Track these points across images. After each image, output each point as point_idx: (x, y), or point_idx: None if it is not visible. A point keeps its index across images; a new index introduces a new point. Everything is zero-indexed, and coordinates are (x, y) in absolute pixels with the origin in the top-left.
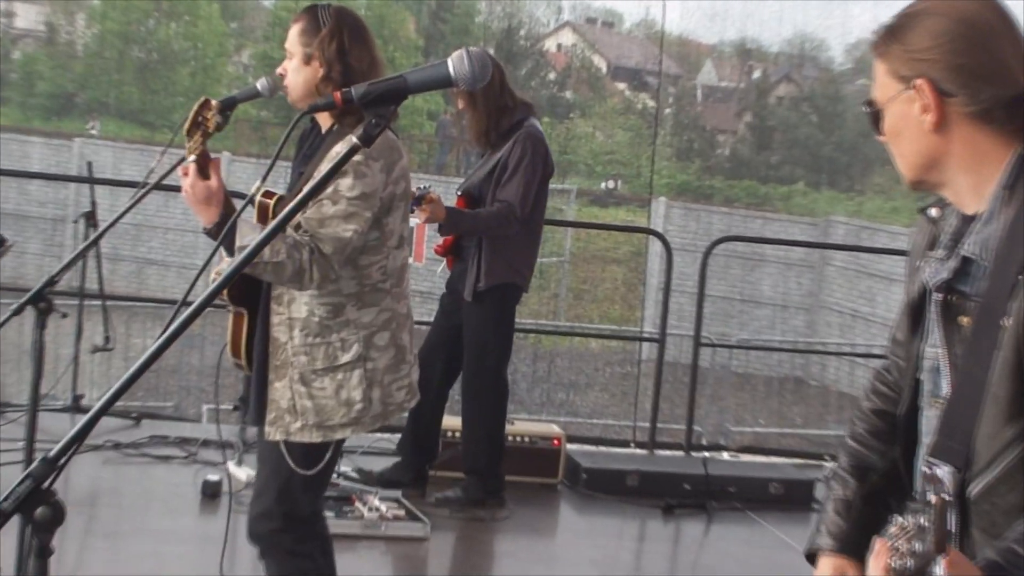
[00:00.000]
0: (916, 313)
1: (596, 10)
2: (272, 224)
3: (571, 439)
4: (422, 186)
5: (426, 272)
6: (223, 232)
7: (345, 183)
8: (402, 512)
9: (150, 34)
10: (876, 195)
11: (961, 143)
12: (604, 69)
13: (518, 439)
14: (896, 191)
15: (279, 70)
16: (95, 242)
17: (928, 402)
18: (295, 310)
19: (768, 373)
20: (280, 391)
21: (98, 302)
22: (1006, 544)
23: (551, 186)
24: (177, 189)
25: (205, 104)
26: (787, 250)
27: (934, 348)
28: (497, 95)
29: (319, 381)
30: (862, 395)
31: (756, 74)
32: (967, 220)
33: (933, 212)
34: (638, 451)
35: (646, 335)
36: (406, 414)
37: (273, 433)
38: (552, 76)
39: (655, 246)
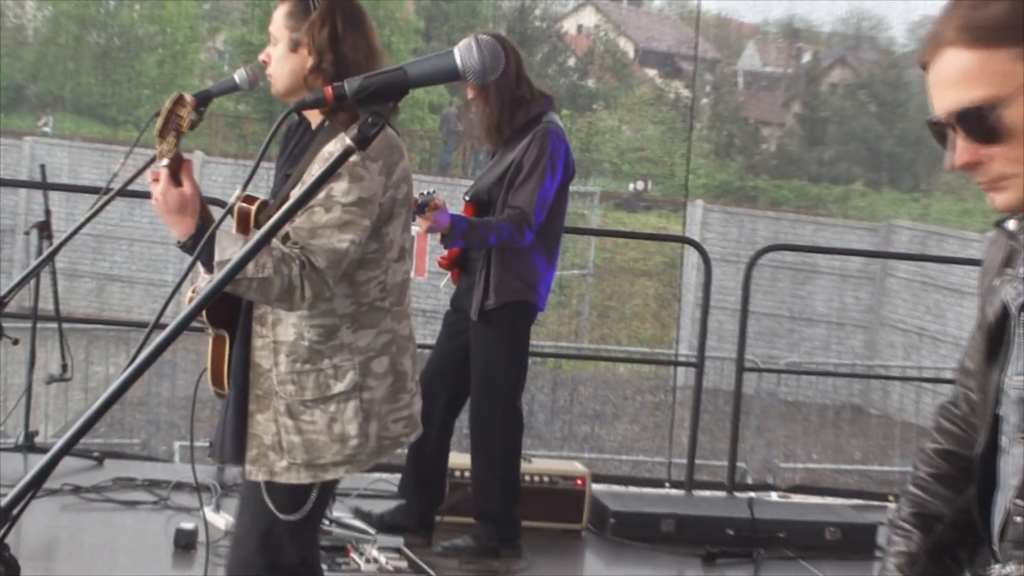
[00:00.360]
0: (994, 339)
1: None
2: (256, 236)
3: (597, 478)
4: (426, 191)
5: (429, 288)
6: (200, 245)
7: (340, 187)
8: (404, 564)
9: (111, 17)
10: (945, 195)
11: None
12: (631, 54)
13: (536, 479)
14: (967, 190)
15: (262, 57)
16: (50, 257)
17: (1014, 438)
18: (281, 332)
19: (822, 401)
20: (262, 425)
21: (54, 325)
22: None
23: (572, 189)
24: (144, 195)
25: (179, 101)
26: (843, 260)
27: (1022, 376)
28: (512, 85)
29: (309, 414)
30: (927, 435)
31: (806, 57)
32: None
33: (1012, 225)
34: (674, 492)
35: (682, 358)
36: (406, 451)
37: (255, 473)
38: (572, 62)
39: (691, 256)
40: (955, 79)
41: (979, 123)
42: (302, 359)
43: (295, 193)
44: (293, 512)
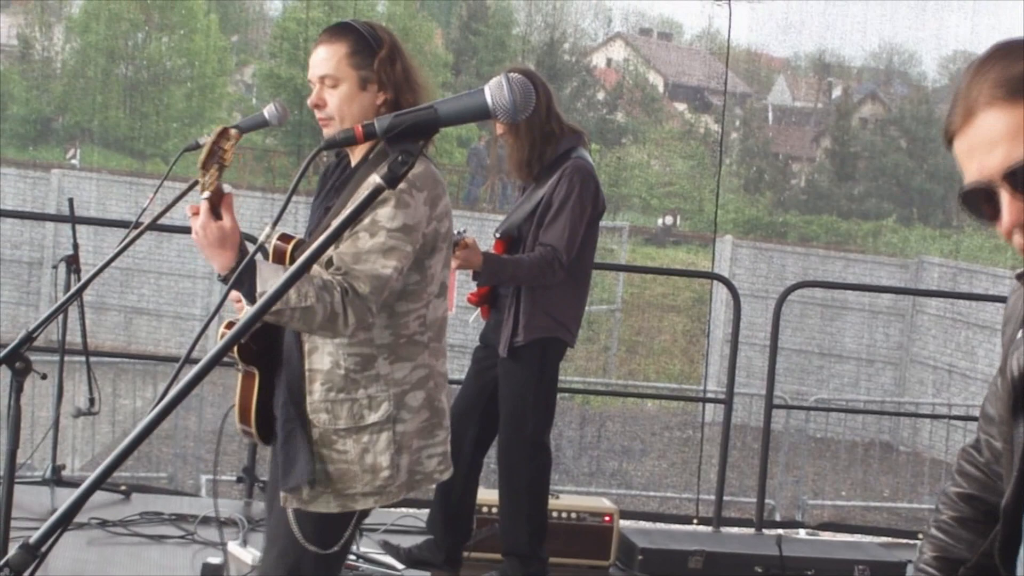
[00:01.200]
0: (1019, 393)
1: (651, 20)
2: (295, 265)
3: (625, 515)
4: (457, 231)
5: (458, 323)
6: (235, 275)
7: (385, 212)
8: None
9: (139, 49)
10: (975, 232)
11: None
12: (661, 88)
13: (564, 515)
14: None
15: (312, 100)
16: (79, 292)
17: None
18: (316, 361)
19: (851, 437)
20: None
21: (81, 359)
22: None
23: (601, 224)
24: (172, 229)
25: (223, 134)
26: (873, 296)
27: None
28: (543, 121)
29: (341, 443)
30: (950, 478)
31: (836, 92)
32: None
33: None
34: (702, 528)
35: (710, 395)
36: (434, 486)
37: (288, 500)
38: (601, 96)
39: (720, 292)
40: (999, 137)
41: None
42: (337, 388)
43: (332, 227)
44: (320, 544)
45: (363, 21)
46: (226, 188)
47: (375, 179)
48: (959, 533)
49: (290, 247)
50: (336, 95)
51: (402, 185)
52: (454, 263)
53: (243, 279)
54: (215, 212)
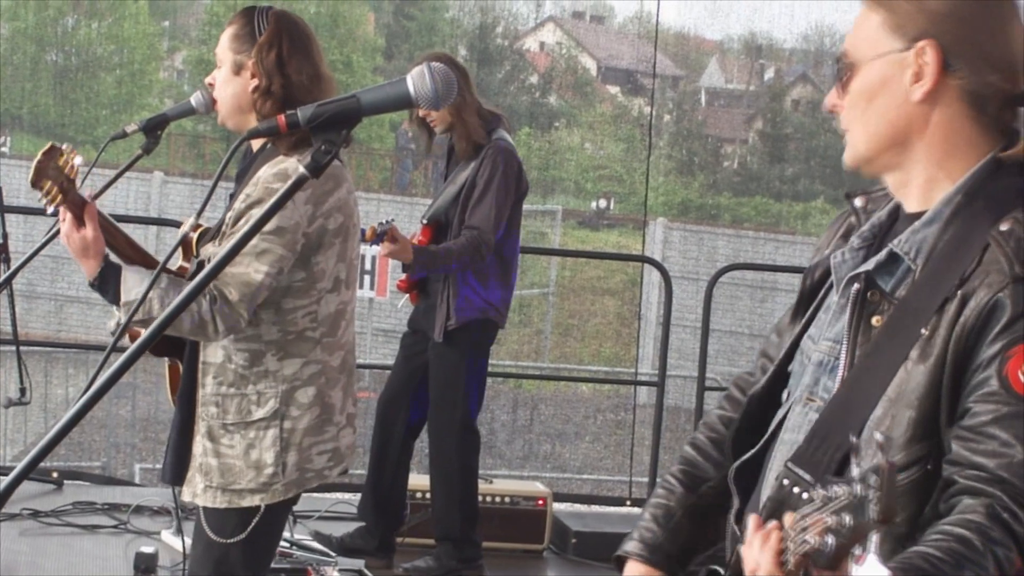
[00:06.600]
0: (805, 300)
1: (583, 3)
2: (195, 281)
3: (558, 498)
4: (387, 219)
5: (389, 308)
6: (101, 283)
7: (258, 214)
8: None
9: (68, 35)
10: None
11: (941, 127)
12: (593, 71)
13: (497, 499)
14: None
15: (208, 79)
16: (8, 281)
17: (800, 397)
18: (210, 354)
19: None
20: (195, 447)
21: (12, 348)
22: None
23: (534, 207)
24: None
25: (50, 152)
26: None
27: (830, 343)
28: (474, 100)
29: (228, 437)
30: (717, 402)
31: (768, 74)
32: (906, 219)
33: (858, 202)
34: (635, 510)
35: (643, 377)
36: (365, 472)
37: (185, 493)
38: (533, 80)
39: (652, 275)
40: (855, 24)
41: (839, 69)
42: (228, 382)
43: (229, 218)
44: (235, 537)
45: (270, 8)
46: (88, 196)
47: (293, 167)
48: (709, 453)
49: (195, 235)
50: (218, 77)
51: (278, 185)
52: (382, 252)
53: (107, 287)
54: (79, 221)
